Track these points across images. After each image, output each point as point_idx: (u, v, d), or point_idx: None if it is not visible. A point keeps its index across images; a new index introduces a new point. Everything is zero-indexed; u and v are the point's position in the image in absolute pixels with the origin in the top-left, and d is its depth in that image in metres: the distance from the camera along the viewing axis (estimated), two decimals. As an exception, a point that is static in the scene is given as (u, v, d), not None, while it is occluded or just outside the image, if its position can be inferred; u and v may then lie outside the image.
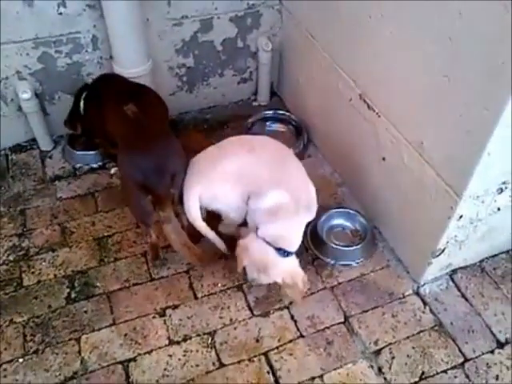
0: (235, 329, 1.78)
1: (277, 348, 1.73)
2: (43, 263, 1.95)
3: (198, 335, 1.76)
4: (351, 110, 2.03)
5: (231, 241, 1.85)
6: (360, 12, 1.80)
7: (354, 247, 1.99)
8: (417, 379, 1.66)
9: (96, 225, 2.09)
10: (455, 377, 1.67)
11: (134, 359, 1.69)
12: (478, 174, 1.49)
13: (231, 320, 1.80)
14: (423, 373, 1.68)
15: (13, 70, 2.16)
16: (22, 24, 2.04)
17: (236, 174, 1.77)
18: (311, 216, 1.82)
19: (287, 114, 2.58)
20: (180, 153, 1.80)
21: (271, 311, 1.83)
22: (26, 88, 2.16)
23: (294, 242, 1.77)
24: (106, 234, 2.05)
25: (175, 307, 1.83)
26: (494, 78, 1.31)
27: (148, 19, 2.21)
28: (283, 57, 2.59)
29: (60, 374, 1.65)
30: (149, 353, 1.71)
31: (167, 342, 1.74)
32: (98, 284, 1.89)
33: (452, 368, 1.69)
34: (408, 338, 1.76)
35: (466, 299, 1.88)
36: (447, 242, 1.74)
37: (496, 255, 2.01)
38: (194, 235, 1.82)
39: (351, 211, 2.12)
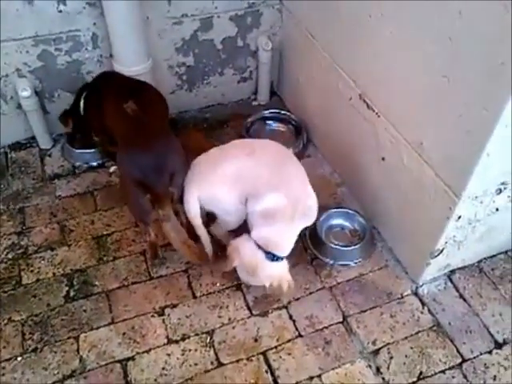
0: (234, 328, 1.78)
1: (275, 347, 1.73)
2: (42, 261, 1.95)
3: (197, 334, 1.76)
4: (351, 109, 2.03)
5: (219, 246, 1.85)
6: (360, 12, 1.80)
7: (353, 247, 1.99)
8: (415, 379, 1.66)
9: (95, 223, 2.09)
10: (453, 377, 1.67)
11: (132, 358, 1.69)
12: (477, 175, 1.48)
13: (230, 319, 1.80)
14: (421, 373, 1.68)
15: (12, 67, 2.16)
16: (21, 21, 2.04)
17: (235, 176, 1.76)
18: (308, 222, 1.81)
19: (287, 113, 2.57)
20: (179, 151, 1.79)
21: (270, 311, 1.83)
22: (25, 86, 2.15)
23: (285, 247, 1.75)
24: (104, 233, 2.05)
25: (174, 306, 1.83)
26: (493, 78, 1.31)
27: (148, 18, 2.21)
28: (283, 56, 2.59)
29: (58, 373, 1.65)
30: (147, 352, 1.71)
31: (166, 340, 1.74)
32: (96, 283, 1.89)
33: (450, 368, 1.69)
34: (406, 338, 1.76)
35: (464, 300, 1.88)
36: (446, 243, 1.74)
37: (494, 256, 2.01)
38: (194, 233, 1.81)
39: (350, 211, 2.12)
